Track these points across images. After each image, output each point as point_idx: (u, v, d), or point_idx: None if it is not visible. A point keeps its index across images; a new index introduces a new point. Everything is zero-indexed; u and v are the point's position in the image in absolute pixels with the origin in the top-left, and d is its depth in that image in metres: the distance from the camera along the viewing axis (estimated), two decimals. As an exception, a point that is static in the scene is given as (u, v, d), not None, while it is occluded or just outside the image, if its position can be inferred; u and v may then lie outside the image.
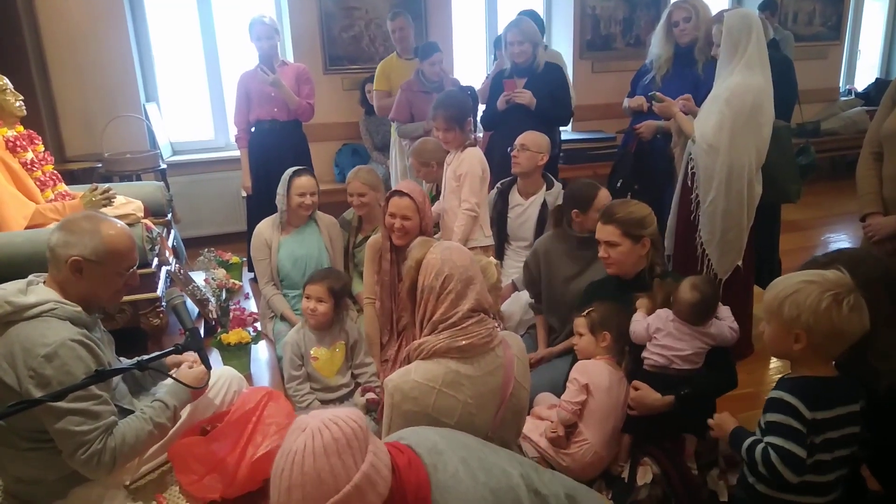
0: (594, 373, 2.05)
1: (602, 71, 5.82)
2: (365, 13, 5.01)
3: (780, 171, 2.90)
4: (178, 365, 1.77)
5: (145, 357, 1.38)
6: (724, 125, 2.63)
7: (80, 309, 1.57)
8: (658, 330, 2.03)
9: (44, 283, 1.62)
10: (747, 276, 2.92)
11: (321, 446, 0.97)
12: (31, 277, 1.62)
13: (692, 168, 2.80)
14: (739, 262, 2.81)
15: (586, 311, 2.17)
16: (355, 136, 5.11)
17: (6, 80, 2.68)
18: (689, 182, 2.82)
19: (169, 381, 1.76)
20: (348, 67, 5.07)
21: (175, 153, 4.97)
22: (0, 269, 2.34)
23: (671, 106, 2.91)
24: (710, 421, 1.67)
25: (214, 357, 2.68)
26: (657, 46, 3.49)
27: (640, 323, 2.07)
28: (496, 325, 1.80)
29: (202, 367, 1.70)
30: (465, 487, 1.17)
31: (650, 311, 2.10)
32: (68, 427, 1.46)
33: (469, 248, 2.69)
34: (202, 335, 1.74)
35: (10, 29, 3.81)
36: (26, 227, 2.61)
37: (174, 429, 1.78)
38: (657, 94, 3.03)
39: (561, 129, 4.16)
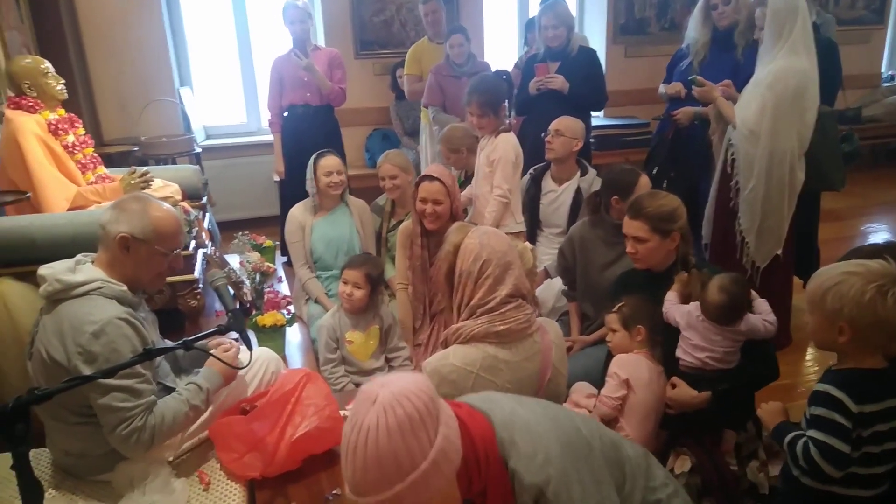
0: (634, 367, 2.01)
1: (635, 56, 5.72)
2: (396, -4, 4.99)
3: (824, 157, 2.82)
4: (218, 346, 1.79)
5: (190, 337, 1.40)
6: (766, 110, 2.56)
7: (125, 288, 1.60)
8: (689, 327, 1.97)
9: (92, 262, 1.65)
10: (786, 265, 2.86)
11: (395, 425, 0.95)
12: (79, 256, 1.65)
13: (732, 154, 2.74)
14: (779, 251, 2.75)
15: (617, 307, 2.11)
16: (386, 121, 5.11)
17: (48, 64, 2.73)
18: (729, 169, 2.76)
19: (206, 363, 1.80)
20: (379, 52, 5.06)
21: (208, 137, 5.02)
22: (43, 250, 2.41)
23: (711, 90, 2.84)
24: (759, 412, 1.64)
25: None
26: (694, 30, 3.40)
27: (673, 309, 2.04)
28: (534, 310, 1.79)
29: (234, 349, 1.74)
30: (524, 419, 1.15)
31: (682, 296, 2.06)
32: (112, 403, 1.49)
33: (506, 233, 2.70)
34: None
35: (50, 14, 3.87)
36: (68, 209, 2.67)
37: (214, 408, 1.82)
38: (697, 77, 2.96)
39: (593, 114, 4.10)
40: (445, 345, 1.66)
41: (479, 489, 1.11)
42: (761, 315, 1.98)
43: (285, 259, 4.05)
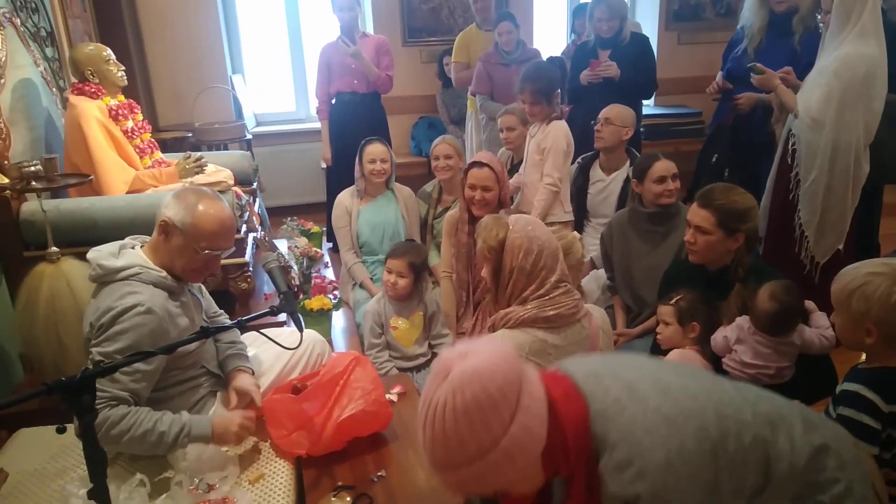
0: (692, 363, 1.95)
1: (689, 43, 5.56)
2: (445, -16, 4.97)
3: (889, 149, 2.69)
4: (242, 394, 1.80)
5: (244, 318, 1.43)
6: (831, 98, 2.45)
7: (164, 274, 1.64)
8: (739, 342, 1.90)
9: (139, 245, 1.70)
10: (846, 260, 2.74)
11: (462, 408, 0.88)
12: (126, 240, 1.71)
13: (793, 144, 2.64)
14: (840, 246, 2.65)
15: (674, 300, 2.03)
16: (432, 109, 5.11)
17: (110, 52, 2.82)
18: (790, 160, 2.66)
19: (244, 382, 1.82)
20: (427, 40, 5.06)
21: (258, 124, 5.12)
22: (104, 231, 2.50)
23: (772, 78, 2.74)
24: None
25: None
26: (750, 12, 3.26)
27: (719, 333, 1.96)
28: (581, 297, 1.78)
29: (233, 422, 1.65)
30: (629, 415, 0.97)
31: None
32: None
33: (548, 224, 2.68)
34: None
35: (111, 3, 4.00)
36: (127, 192, 2.76)
37: (263, 388, 1.86)
38: (757, 64, 2.86)
39: (643, 103, 4.01)
40: (493, 329, 1.66)
41: (567, 475, 1.00)
42: (818, 329, 1.89)
43: (331, 245, 4.12)
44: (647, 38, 3.66)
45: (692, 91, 5.44)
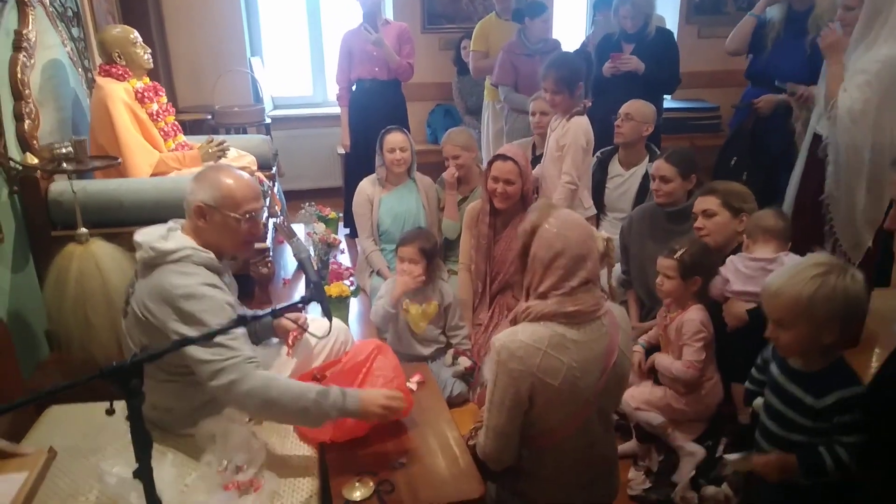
0: (706, 320, 2.08)
1: (709, 36, 5.51)
2: (466, -30, 4.95)
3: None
4: (287, 331, 1.89)
5: (277, 307, 1.47)
6: (870, 100, 2.43)
7: (212, 255, 1.68)
8: (737, 279, 2.06)
9: (181, 230, 1.74)
10: (871, 262, 2.76)
11: None
12: (170, 223, 1.74)
13: (825, 144, 2.62)
14: (870, 244, 2.66)
15: (677, 254, 2.11)
16: (449, 96, 5.11)
17: (136, 34, 2.85)
18: (822, 156, 2.64)
19: (274, 342, 1.86)
20: (446, 27, 5.04)
21: (275, 107, 5.13)
22: (130, 212, 2.55)
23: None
24: (759, 466, 1.56)
25: (315, 308, 2.83)
26: (771, 8, 3.26)
27: (718, 278, 2.11)
28: (604, 294, 1.80)
29: (393, 399, 1.70)
30: None
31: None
32: (202, 356, 1.54)
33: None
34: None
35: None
36: (151, 175, 2.80)
37: (288, 374, 1.91)
38: (789, 84, 2.86)
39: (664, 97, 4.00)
40: (514, 322, 1.68)
41: None
42: None
43: (347, 230, 4.16)
44: (672, 33, 3.65)
45: (711, 85, 5.42)
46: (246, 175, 1.78)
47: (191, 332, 1.51)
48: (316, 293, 1.59)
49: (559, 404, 1.61)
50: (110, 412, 1.11)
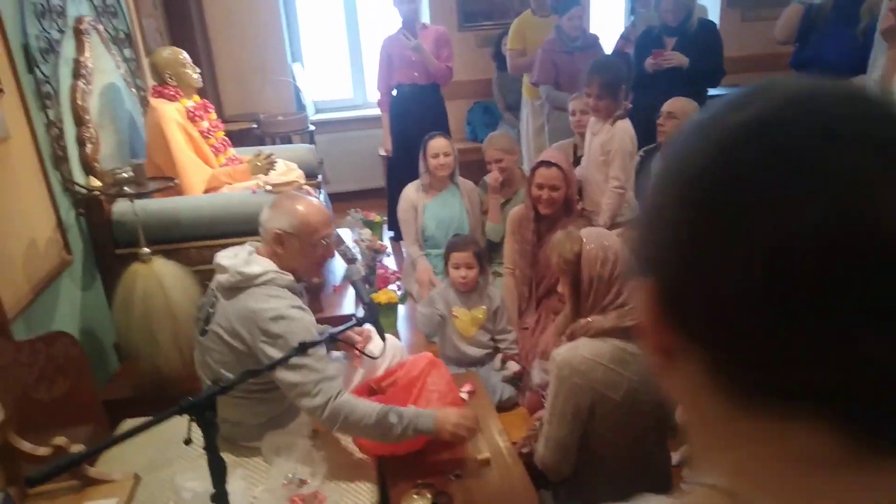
0: None
1: (753, 20, 5.36)
2: (502, -34, 4.92)
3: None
4: (352, 341, 1.95)
5: (335, 330, 1.54)
6: None
7: (292, 278, 1.77)
8: None
9: (256, 252, 1.82)
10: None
11: None
12: (248, 246, 1.82)
13: None
14: None
15: None
16: (487, 93, 5.11)
17: (186, 55, 2.94)
18: None
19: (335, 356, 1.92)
20: (483, 24, 5.04)
21: (317, 111, 5.23)
22: (187, 229, 2.66)
23: None
24: None
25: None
26: None
27: None
28: None
29: (463, 418, 1.77)
30: None
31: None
32: (289, 379, 1.64)
33: (617, 223, 2.69)
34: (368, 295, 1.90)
35: (181, 7, 4.14)
36: (205, 191, 2.90)
37: (349, 390, 1.98)
38: None
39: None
40: (572, 337, 1.72)
41: None
42: None
43: (392, 233, 4.23)
44: (714, 25, 3.59)
45: (757, 70, 5.27)
46: (317, 201, 1.87)
47: (279, 354, 1.59)
48: (370, 315, 1.65)
49: (619, 417, 1.64)
50: (188, 442, 1.18)
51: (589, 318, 1.68)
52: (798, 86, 0.42)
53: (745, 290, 0.39)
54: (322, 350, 1.69)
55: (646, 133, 3.20)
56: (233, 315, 1.70)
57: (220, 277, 1.75)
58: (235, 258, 1.75)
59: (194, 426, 1.19)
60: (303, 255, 1.78)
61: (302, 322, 1.68)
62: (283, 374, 1.62)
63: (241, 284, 1.71)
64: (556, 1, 3.98)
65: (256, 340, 1.65)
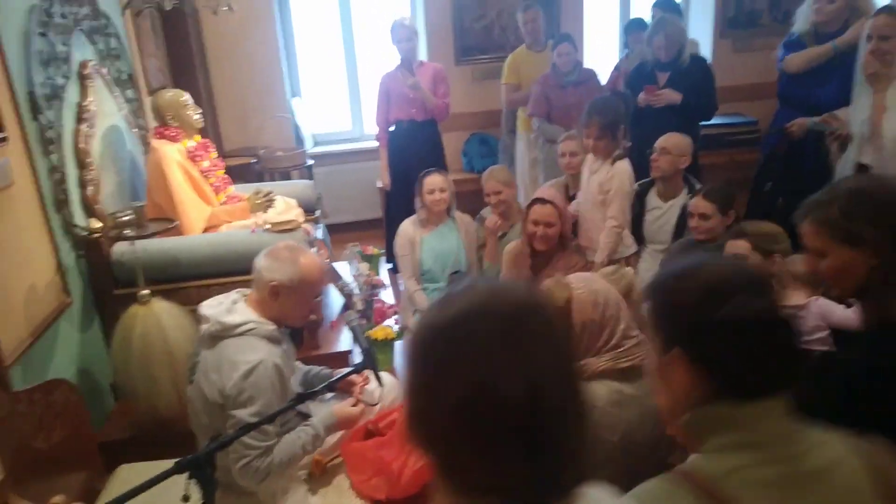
0: None
1: (745, 50, 5.44)
2: (497, 2, 5.01)
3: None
4: (352, 384, 1.96)
5: (332, 379, 1.55)
6: None
7: (274, 327, 1.78)
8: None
9: (245, 299, 1.84)
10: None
11: None
12: (234, 295, 1.84)
13: (872, 170, 2.57)
14: None
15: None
16: (484, 125, 5.17)
17: (188, 96, 3.00)
18: None
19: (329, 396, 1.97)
20: (479, 58, 5.11)
21: (316, 144, 5.29)
22: (186, 269, 2.69)
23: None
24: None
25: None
26: (799, 21, 3.22)
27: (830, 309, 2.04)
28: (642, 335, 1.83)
29: (356, 410, 1.90)
30: None
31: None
32: (243, 439, 1.64)
33: (615, 260, 2.72)
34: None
35: (181, 41, 4.22)
36: (204, 229, 2.94)
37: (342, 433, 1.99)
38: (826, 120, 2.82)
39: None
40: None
41: None
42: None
43: (390, 266, 4.25)
44: (706, 60, 3.66)
45: (749, 99, 5.34)
46: (315, 255, 1.90)
47: (244, 412, 1.62)
48: (368, 361, 1.66)
49: (616, 458, 1.64)
50: (186, 499, 1.19)
51: (584, 361, 1.69)
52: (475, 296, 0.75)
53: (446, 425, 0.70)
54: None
55: (639, 167, 3.24)
56: (211, 364, 1.72)
57: (202, 327, 1.77)
58: (218, 307, 1.77)
59: (192, 482, 1.20)
60: (296, 308, 1.81)
61: (270, 382, 1.69)
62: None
63: (221, 334, 1.73)
64: (554, 38, 4.06)
65: (225, 390, 1.68)
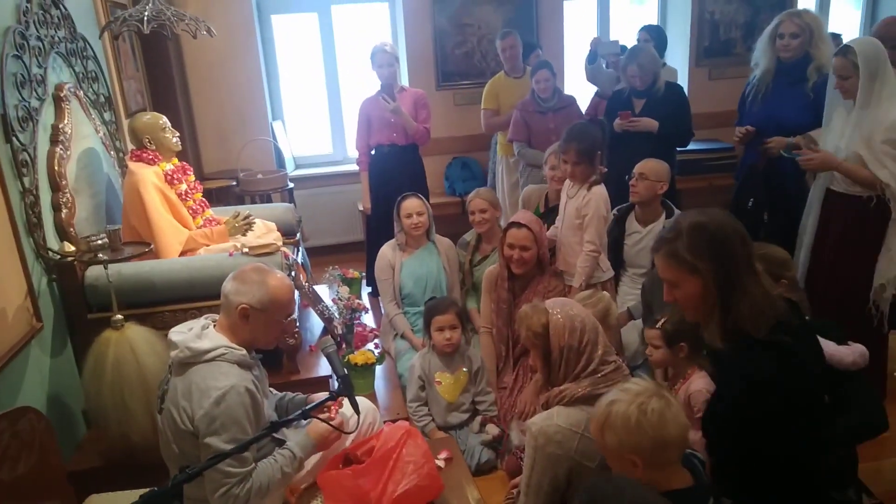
0: (710, 387, 2.03)
1: (719, 78, 5.58)
2: (477, 29, 5.09)
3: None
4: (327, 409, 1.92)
5: (307, 408, 1.53)
6: None
7: (244, 352, 1.75)
8: None
9: (214, 325, 1.80)
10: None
11: None
12: (203, 321, 1.81)
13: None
14: None
15: (659, 324, 2.15)
16: (465, 149, 5.22)
17: (165, 120, 2.97)
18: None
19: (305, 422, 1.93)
20: (460, 83, 5.18)
21: (297, 167, 5.28)
22: (162, 294, 2.65)
23: (827, 158, 2.67)
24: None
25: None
26: (759, 54, 3.29)
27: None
28: (628, 371, 1.83)
29: (329, 428, 1.85)
30: None
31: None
32: (220, 467, 1.62)
33: (591, 285, 2.73)
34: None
35: (161, 63, 4.21)
36: (181, 252, 2.90)
37: (320, 456, 1.95)
38: (793, 141, 2.87)
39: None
40: (546, 406, 1.72)
41: None
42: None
43: (370, 289, 4.23)
44: (682, 88, 3.73)
45: (725, 125, 5.44)
46: (283, 275, 1.87)
47: (217, 440, 1.58)
48: (343, 387, 1.64)
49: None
50: (155, 534, 1.16)
51: (563, 386, 1.69)
52: None
53: None
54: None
55: (617, 192, 3.28)
56: (181, 392, 1.69)
57: (171, 353, 1.74)
58: (188, 333, 1.74)
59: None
60: (267, 330, 1.79)
61: (244, 408, 1.66)
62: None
63: (190, 360, 1.70)
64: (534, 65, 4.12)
65: (196, 419, 1.64)
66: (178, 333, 1.76)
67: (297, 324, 2.88)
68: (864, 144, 2.54)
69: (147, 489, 1.23)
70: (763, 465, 1.49)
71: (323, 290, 3.70)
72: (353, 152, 4.27)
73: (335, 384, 1.99)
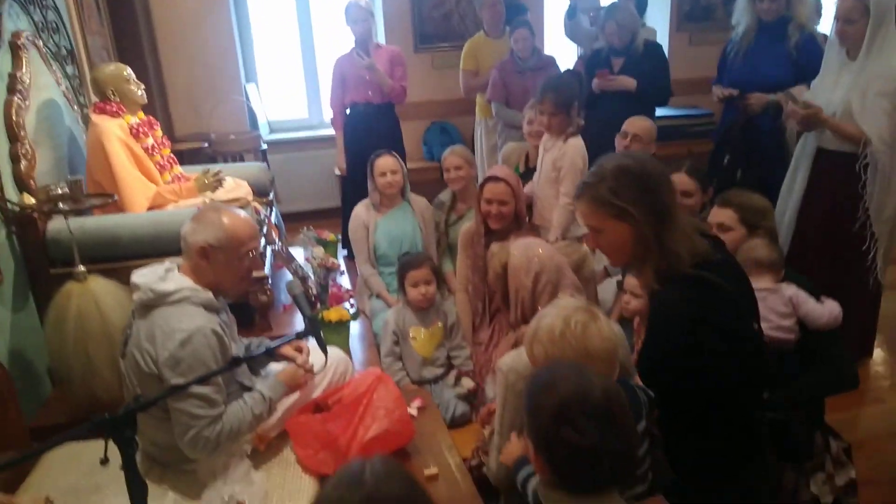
0: None
1: (700, 43, 5.54)
2: (456, -10, 4.99)
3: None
4: (298, 350, 1.87)
5: (272, 344, 1.48)
6: None
7: (211, 295, 1.70)
8: None
9: (178, 269, 1.75)
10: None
11: None
12: (167, 264, 1.76)
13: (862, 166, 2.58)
14: None
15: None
16: (444, 114, 5.15)
17: (130, 71, 2.87)
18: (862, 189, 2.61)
19: (273, 370, 1.90)
20: (439, 46, 5.08)
21: (272, 131, 5.17)
22: (128, 248, 2.57)
23: (818, 113, 2.61)
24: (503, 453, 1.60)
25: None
26: (739, 12, 3.26)
27: None
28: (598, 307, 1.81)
29: (297, 369, 1.82)
30: None
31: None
32: (188, 409, 1.60)
33: (569, 238, 2.70)
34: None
35: (127, 18, 4.06)
36: (148, 208, 2.82)
37: (287, 405, 1.91)
38: (792, 99, 2.82)
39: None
40: (517, 345, 1.70)
41: None
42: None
43: (346, 252, 4.17)
44: (661, 46, 3.68)
45: (706, 91, 5.41)
46: (244, 213, 1.81)
47: (181, 380, 1.53)
48: (311, 328, 1.60)
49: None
50: (104, 462, 1.11)
51: (519, 329, 1.67)
52: None
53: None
54: (219, 381, 1.65)
55: (597, 150, 3.21)
56: (144, 335, 1.64)
57: (134, 296, 1.68)
58: (151, 275, 1.69)
59: (112, 445, 1.12)
60: (228, 268, 1.72)
61: (210, 350, 1.62)
62: (180, 404, 1.58)
63: (154, 303, 1.65)
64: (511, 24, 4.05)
65: (160, 361, 1.59)
66: (140, 276, 1.70)
67: (268, 273, 2.82)
68: (860, 94, 2.50)
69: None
70: (697, 400, 1.48)
71: (297, 252, 3.64)
72: (330, 116, 4.19)
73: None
